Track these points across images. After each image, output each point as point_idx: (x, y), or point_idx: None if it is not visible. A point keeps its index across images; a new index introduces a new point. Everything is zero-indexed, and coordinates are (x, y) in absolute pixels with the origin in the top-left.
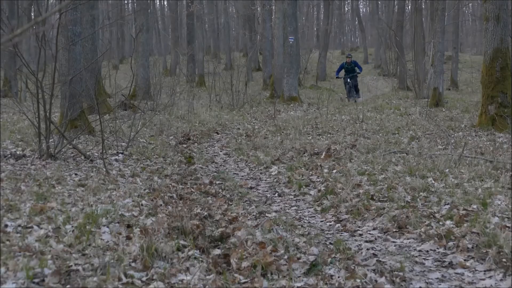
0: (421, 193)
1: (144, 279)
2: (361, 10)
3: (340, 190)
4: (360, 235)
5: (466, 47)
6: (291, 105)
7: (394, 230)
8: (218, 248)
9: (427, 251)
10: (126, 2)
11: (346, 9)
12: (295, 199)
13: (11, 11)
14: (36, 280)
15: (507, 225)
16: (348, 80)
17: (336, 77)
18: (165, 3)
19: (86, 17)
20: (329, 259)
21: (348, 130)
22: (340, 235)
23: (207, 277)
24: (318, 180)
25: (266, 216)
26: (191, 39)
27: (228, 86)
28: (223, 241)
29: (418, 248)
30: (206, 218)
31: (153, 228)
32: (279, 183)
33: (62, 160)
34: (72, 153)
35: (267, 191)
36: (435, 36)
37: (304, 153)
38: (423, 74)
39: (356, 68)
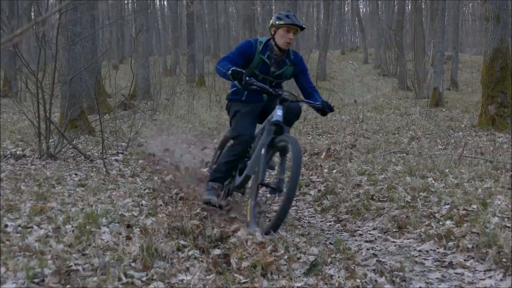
0: (421, 193)
1: (144, 279)
2: (361, 10)
3: (340, 190)
4: (360, 235)
5: (466, 47)
6: None
7: (394, 230)
8: (218, 248)
9: (427, 251)
10: (126, 2)
11: (346, 9)
12: (295, 199)
13: (11, 11)
14: (36, 280)
15: (507, 225)
16: (276, 117)
17: (222, 74)
18: (165, 3)
19: (86, 17)
20: (329, 259)
21: (348, 130)
22: (340, 235)
23: (207, 277)
24: (318, 180)
25: (266, 216)
26: (191, 39)
27: (228, 86)
28: (223, 241)
29: (418, 248)
30: (206, 218)
31: (153, 228)
32: None
33: (62, 160)
34: (72, 153)
35: (267, 191)
36: (435, 36)
37: (304, 153)
38: (423, 74)
39: (304, 83)
